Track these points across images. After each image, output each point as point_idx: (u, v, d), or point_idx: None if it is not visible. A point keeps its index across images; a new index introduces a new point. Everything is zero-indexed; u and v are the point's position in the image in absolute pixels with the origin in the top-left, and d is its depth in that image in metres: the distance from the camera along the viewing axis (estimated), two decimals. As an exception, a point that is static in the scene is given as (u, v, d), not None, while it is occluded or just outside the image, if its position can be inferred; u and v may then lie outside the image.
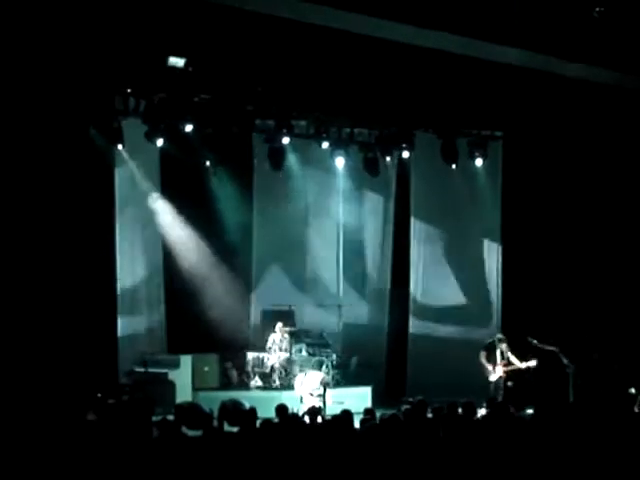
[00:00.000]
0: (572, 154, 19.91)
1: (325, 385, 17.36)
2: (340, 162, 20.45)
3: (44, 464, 8.91)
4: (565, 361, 17.34)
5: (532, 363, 17.69)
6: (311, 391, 17.37)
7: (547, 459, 9.80)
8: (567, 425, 11.13)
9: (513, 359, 17.91)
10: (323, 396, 16.84)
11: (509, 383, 17.77)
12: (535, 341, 17.66)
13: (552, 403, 14.85)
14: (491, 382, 17.76)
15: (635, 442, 10.50)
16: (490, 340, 18.33)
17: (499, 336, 18.39)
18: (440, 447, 10.06)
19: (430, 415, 11.95)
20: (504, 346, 17.99)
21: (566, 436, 10.57)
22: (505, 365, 17.82)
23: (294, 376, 18.46)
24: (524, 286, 20.50)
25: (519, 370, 17.82)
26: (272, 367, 19.03)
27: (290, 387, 18.31)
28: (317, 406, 13.21)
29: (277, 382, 18.92)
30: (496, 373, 17.77)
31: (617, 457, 10.00)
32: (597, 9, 14.57)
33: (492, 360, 17.87)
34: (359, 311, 21.47)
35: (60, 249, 16.53)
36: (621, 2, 15.01)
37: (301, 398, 17.38)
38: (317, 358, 19.13)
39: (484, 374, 17.83)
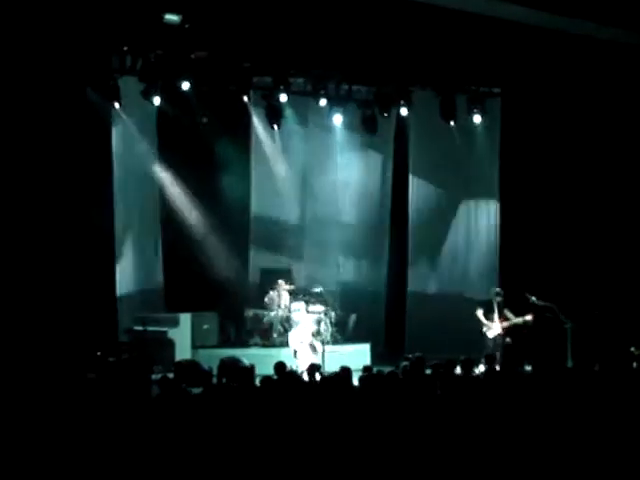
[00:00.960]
0: (570, 111, 19.82)
1: (318, 335, 17.47)
2: (338, 119, 20.38)
3: (45, 422, 8.96)
4: (563, 318, 17.35)
5: (529, 317, 17.59)
6: (302, 340, 17.42)
7: (546, 416, 9.85)
8: (566, 382, 11.18)
9: (509, 314, 17.86)
10: (316, 347, 16.97)
11: (507, 339, 17.78)
12: (533, 298, 17.61)
13: (550, 360, 14.90)
14: (489, 339, 17.76)
15: (633, 398, 10.56)
16: (487, 297, 18.34)
17: (496, 290, 18.38)
18: (438, 404, 10.11)
19: (428, 372, 11.99)
20: (500, 301, 18.00)
21: (565, 393, 10.63)
22: (503, 321, 17.80)
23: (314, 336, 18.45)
24: (522, 242, 20.50)
25: (516, 325, 17.79)
26: (271, 325, 19.09)
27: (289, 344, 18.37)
28: (316, 363, 13.23)
29: (276, 339, 18.98)
30: (494, 330, 17.75)
31: (615, 413, 10.06)
32: None
33: (490, 316, 17.84)
34: (358, 269, 21.48)
35: (58, 208, 16.52)
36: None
37: (295, 352, 17.41)
38: (315, 316, 19.19)
39: (482, 331, 17.84)
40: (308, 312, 19.08)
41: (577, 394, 10.58)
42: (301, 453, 8.67)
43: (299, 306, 18.97)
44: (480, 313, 17.88)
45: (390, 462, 8.77)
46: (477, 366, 13.36)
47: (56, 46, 15.86)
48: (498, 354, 16.93)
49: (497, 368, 13.91)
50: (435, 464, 8.84)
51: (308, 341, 17.50)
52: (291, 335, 18.00)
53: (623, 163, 19.91)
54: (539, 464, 8.95)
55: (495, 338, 17.67)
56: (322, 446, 8.77)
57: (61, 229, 16.52)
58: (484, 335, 17.74)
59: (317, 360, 16.21)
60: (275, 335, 18.99)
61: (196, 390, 10.44)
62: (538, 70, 18.85)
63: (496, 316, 17.76)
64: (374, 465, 8.71)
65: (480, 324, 17.81)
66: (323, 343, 17.41)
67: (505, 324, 17.72)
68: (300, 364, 16.26)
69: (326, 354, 16.98)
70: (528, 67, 18.81)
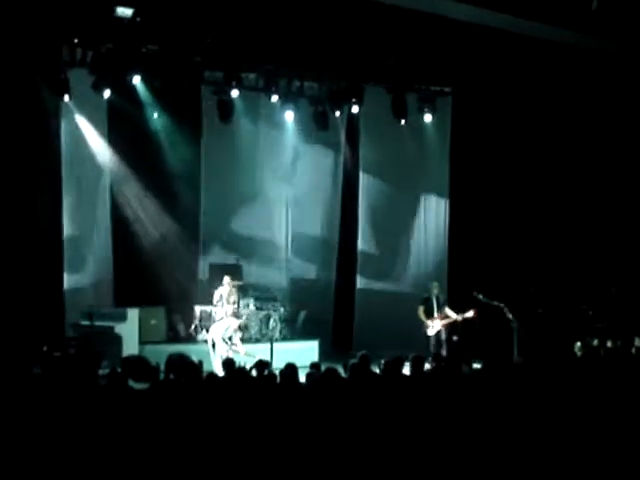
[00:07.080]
0: (520, 111, 20.03)
1: (241, 330, 17.38)
2: (290, 116, 20.36)
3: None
4: (510, 316, 17.47)
5: (469, 314, 17.45)
6: (223, 336, 17.22)
7: (493, 412, 9.93)
8: (513, 379, 11.29)
9: (449, 312, 17.84)
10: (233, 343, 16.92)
11: (454, 337, 17.82)
12: (481, 296, 17.70)
13: (497, 358, 15.03)
14: (430, 337, 17.75)
15: (579, 394, 10.70)
16: (426, 294, 18.30)
17: (434, 283, 18.39)
18: (386, 402, 10.14)
19: (377, 370, 12.03)
20: (440, 296, 18.02)
21: (512, 390, 10.72)
22: (442, 318, 17.79)
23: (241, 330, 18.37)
24: (470, 241, 20.67)
25: (457, 322, 17.77)
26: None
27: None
28: (263, 359, 13.18)
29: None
30: (434, 327, 17.73)
31: (562, 407, 10.19)
32: None
33: (430, 314, 17.84)
34: (307, 266, 21.51)
35: (4, 202, 16.34)
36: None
37: (213, 345, 17.19)
38: (265, 312, 19.17)
39: (423, 329, 17.83)
40: (257, 308, 19.08)
41: (525, 389, 10.69)
42: (247, 450, 8.66)
43: (248, 303, 18.97)
44: (421, 311, 17.88)
45: (341, 458, 8.77)
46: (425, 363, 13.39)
47: (5, 37, 15.68)
48: (444, 352, 17.03)
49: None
50: (387, 462, 8.87)
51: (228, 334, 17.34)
52: (212, 328, 17.73)
53: (572, 161, 20.14)
54: (491, 461, 9.00)
55: (437, 335, 17.67)
56: (268, 443, 8.76)
57: (7, 221, 16.34)
58: (425, 333, 17.72)
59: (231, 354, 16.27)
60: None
61: (143, 386, 10.39)
62: (489, 70, 19.02)
63: (436, 313, 17.79)
64: (322, 462, 8.72)
65: (421, 322, 17.81)
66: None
67: (445, 321, 17.73)
68: (216, 358, 16.34)
69: (274, 350, 16.97)
70: (479, 67, 18.96)
